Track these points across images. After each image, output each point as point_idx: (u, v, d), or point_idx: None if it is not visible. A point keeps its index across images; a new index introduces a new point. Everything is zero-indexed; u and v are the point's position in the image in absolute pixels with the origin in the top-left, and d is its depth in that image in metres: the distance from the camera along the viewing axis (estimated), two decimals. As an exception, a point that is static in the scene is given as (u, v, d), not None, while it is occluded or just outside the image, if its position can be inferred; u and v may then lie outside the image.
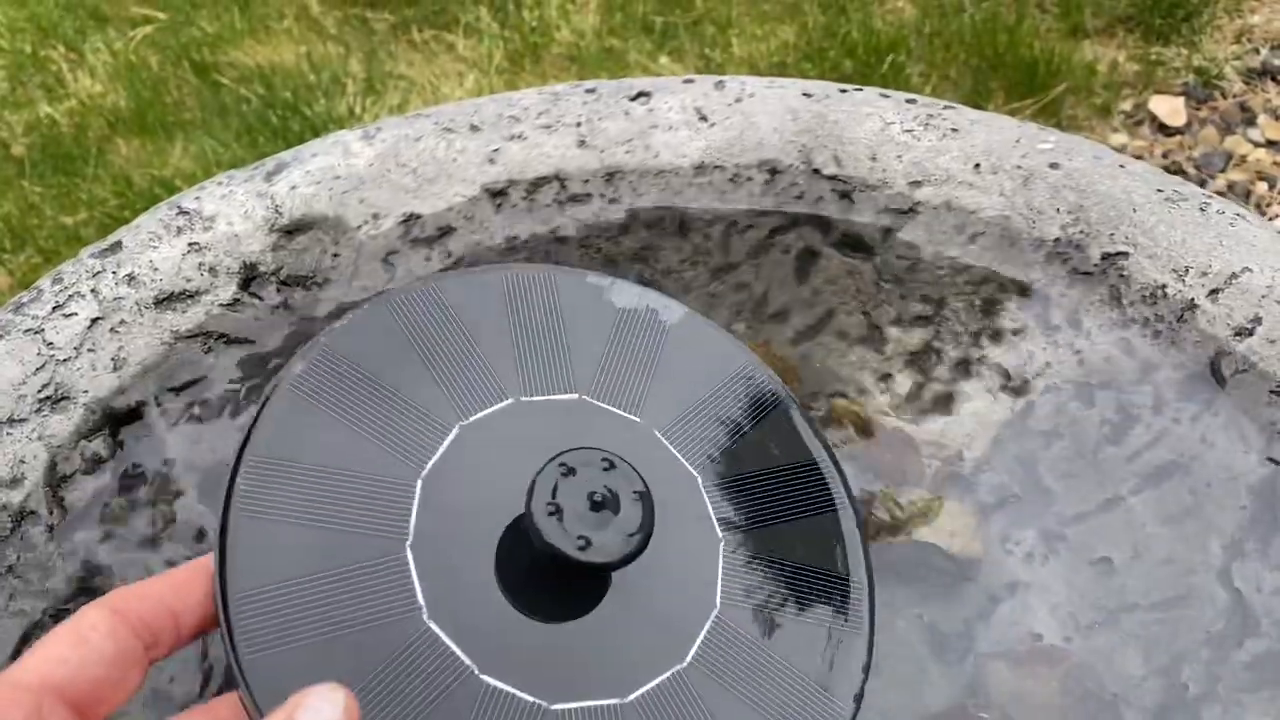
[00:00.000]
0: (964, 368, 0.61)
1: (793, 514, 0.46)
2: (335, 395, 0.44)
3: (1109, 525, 0.54)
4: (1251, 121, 1.80)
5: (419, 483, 0.43)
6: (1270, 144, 1.77)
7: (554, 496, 0.40)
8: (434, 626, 0.40)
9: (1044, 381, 0.60)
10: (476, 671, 0.40)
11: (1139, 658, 0.50)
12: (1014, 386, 0.60)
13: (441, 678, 0.39)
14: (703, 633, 0.43)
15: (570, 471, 0.40)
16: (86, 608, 0.37)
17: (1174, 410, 0.57)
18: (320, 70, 2.03)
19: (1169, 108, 1.82)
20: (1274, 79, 1.85)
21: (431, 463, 0.44)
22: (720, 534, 0.45)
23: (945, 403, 0.60)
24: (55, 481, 0.58)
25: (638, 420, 0.46)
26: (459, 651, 0.40)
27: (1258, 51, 1.89)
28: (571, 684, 0.40)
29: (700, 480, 0.46)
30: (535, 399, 0.46)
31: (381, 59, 2.05)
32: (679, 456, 0.46)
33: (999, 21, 1.90)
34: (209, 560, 0.39)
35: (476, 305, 0.48)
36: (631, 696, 0.40)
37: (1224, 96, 1.83)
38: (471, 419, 0.45)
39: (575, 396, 0.47)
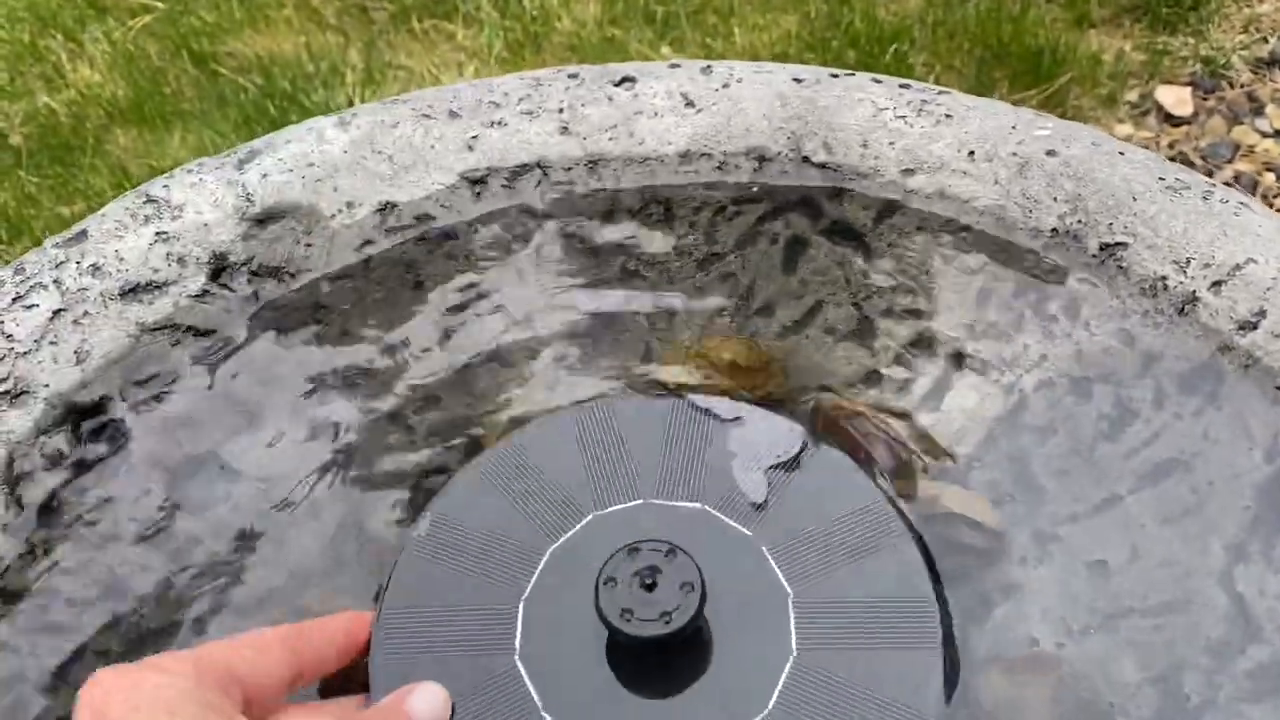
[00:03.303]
0: (956, 361, 0.59)
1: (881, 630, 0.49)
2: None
3: (1106, 526, 0.52)
4: (1259, 111, 1.77)
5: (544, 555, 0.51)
6: (1278, 134, 1.74)
7: (614, 572, 0.46)
8: (520, 666, 0.47)
9: (1039, 375, 0.57)
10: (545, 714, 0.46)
11: (1135, 665, 0.48)
12: (1008, 381, 0.57)
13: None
14: (782, 678, 0.46)
15: (635, 552, 0.46)
16: (271, 631, 0.46)
17: (1175, 405, 0.55)
18: (319, 60, 2.01)
19: (1175, 98, 1.79)
20: (1283, 68, 1.82)
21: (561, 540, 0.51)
22: (795, 647, 0.48)
23: (936, 397, 0.57)
24: (12, 479, 0.56)
25: (749, 534, 0.51)
26: (535, 694, 0.47)
27: (1266, 40, 1.86)
28: None
29: (791, 598, 0.49)
30: (660, 502, 0.52)
31: (381, 49, 2.03)
32: (779, 574, 0.50)
33: (1004, 11, 1.87)
34: (349, 622, 0.49)
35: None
36: None
37: (1231, 86, 1.80)
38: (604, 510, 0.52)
39: (698, 505, 0.52)
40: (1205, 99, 1.80)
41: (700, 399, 0.56)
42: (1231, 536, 0.51)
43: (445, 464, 0.58)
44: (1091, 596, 0.50)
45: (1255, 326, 0.55)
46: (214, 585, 0.54)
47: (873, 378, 0.59)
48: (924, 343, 0.60)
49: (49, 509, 0.56)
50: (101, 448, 0.58)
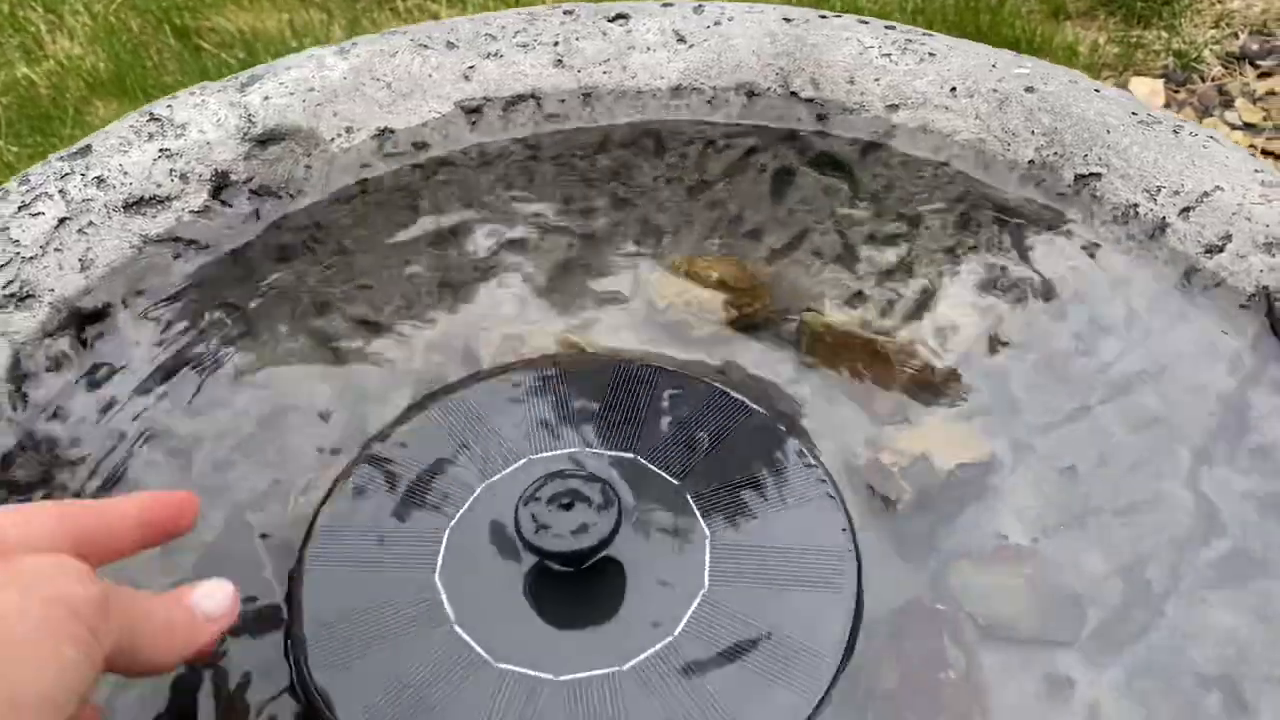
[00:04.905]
0: (937, 283, 0.61)
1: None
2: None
3: (1076, 434, 0.54)
4: (1229, 105, 1.81)
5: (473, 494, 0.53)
6: (1247, 126, 1.78)
7: (535, 493, 0.47)
8: (460, 631, 0.48)
9: (1016, 295, 0.59)
10: (492, 661, 0.47)
11: (1105, 558, 0.50)
12: (987, 302, 0.60)
13: (465, 670, 0.47)
14: (691, 608, 0.48)
15: (558, 478, 0.48)
16: (44, 504, 0.40)
17: (1145, 324, 0.58)
18: (302, 36, 2.02)
19: (1148, 90, 1.83)
20: (1252, 63, 1.86)
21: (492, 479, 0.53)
22: (708, 582, 0.50)
23: (917, 316, 0.60)
24: (18, 377, 0.57)
25: (676, 483, 0.53)
26: (478, 648, 0.47)
27: (1236, 36, 1.90)
28: (575, 660, 0.47)
29: (709, 539, 0.51)
30: (594, 450, 0.54)
31: (365, 26, 2.04)
32: (699, 518, 0.52)
33: (982, 1, 1.90)
34: (145, 500, 0.43)
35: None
36: (628, 665, 0.46)
37: (1202, 80, 1.84)
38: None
39: (630, 455, 0.54)
40: (1177, 91, 1.84)
41: (643, 364, 0.58)
42: (1197, 442, 0.53)
43: (442, 374, 0.59)
44: (1064, 498, 0.52)
45: (1221, 250, 0.57)
46: (214, 483, 0.56)
47: (857, 299, 0.61)
48: (905, 267, 0.62)
49: (54, 408, 0.57)
50: (105, 352, 0.59)
